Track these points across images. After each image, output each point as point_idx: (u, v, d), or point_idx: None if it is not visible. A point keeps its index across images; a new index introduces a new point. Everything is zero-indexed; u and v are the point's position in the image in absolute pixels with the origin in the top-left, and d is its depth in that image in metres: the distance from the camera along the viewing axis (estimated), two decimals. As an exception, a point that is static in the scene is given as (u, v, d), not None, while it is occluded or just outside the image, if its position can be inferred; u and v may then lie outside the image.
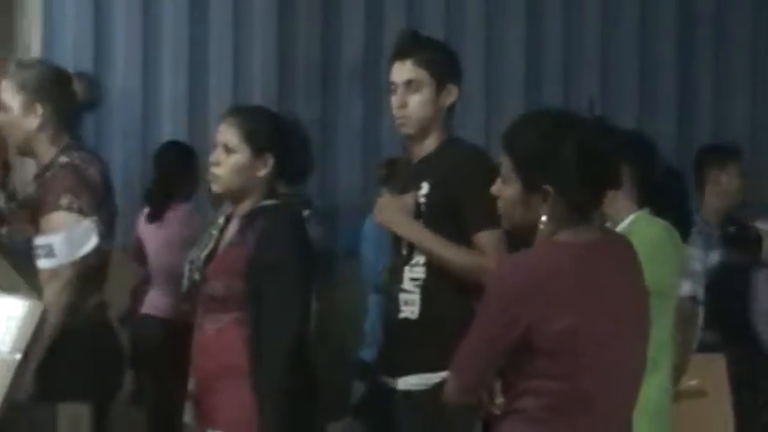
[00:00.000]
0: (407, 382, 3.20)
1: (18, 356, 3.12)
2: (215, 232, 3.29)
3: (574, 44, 5.16)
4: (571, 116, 2.35)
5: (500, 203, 2.38)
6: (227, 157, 3.18)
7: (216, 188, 3.23)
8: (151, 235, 4.78)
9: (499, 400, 2.41)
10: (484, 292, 2.39)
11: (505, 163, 2.33)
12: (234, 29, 4.85)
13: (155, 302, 4.76)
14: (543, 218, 2.30)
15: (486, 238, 3.12)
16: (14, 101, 3.43)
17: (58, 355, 3.23)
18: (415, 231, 3.19)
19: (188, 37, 4.80)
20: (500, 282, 2.32)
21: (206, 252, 3.26)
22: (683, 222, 3.55)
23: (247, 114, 3.29)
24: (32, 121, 3.43)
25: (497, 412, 2.39)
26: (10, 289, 3.28)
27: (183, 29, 4.80)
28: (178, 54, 4.79)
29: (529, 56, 5.11)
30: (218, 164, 3.19)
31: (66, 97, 3.49)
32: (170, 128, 4.80)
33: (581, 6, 5.19)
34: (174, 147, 4.72)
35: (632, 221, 3.25)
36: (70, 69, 4.22)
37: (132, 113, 4.74)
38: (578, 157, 2.24)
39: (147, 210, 4.78)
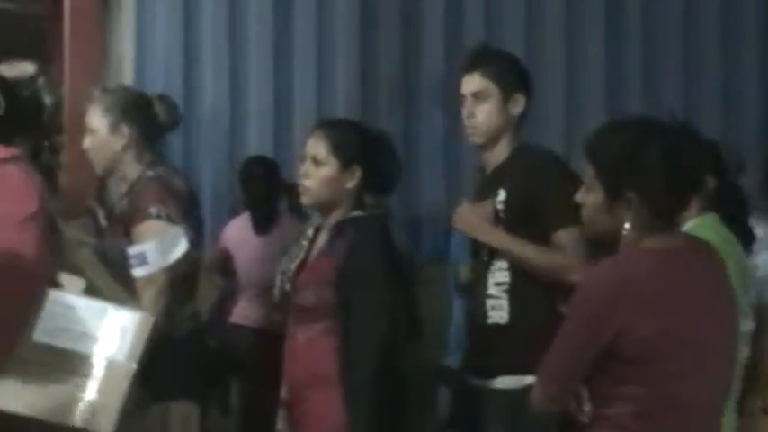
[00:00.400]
0: (497, 384, 3.23)
1: (134, 366, 3.19)
2: (305, 243, 3.33)
3: (654, 52, 5.10)
4: (655, 123, 2.36)
5: (584, 211, 2.40)
6: (316, 170, 3.21)
7: (305, 200, 3.28)
8: (246, 248, 4.82)
9: (587, 407, 2.39)
10: (568, 293, 2.39)
11: (589, 171, 2.36)
12: (317, 46, 4.90)
13: (245, 312, 4.80)
14: (627, 225, 2.31)
15: (564, 236, 3.14)
16: (101, 123, 3.57)
17: (164, 360, 3.28)
18: (495, 236, 3.22)
19: (273, 54, 4.85)
20: (586, 289, 2.33)
21: (296, 262, 3.29)
22: (744, 233, 3.48)
23: (335, 127, 3.32)
24: (118, 142, 3.57)
25: (585, 420, 2.37)
26: (115, 300, 3.35)
27: (268, 47, 4.85)
28: (263, 71, 4.85)
29: (609, 66, 5.08)
30: (307, 176, 3.23)
31: (148, 118, 3.63)
32: (256, 142, 4.85)
33: (661, 12, 5.13)
34: (257, 161, 4.76)
35: (692, 226, 3.18)
36: (161, 87, 4.36)
37: (220, 129, 4.79)
38: (663, 164, 2.24)
39: (235, 221, 4.82)
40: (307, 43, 4.89)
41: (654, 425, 2.24)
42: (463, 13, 5.02)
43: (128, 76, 4.66)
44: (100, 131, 3.58)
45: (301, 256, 3.30)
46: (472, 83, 3.26)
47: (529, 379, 2.96)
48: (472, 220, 3.26)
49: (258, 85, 4.84)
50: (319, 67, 4.90)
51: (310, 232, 3.34)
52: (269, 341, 3.96)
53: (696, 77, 5.19)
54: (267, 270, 4.66)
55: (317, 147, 3.22)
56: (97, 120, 3.59)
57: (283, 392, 3.29)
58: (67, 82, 4.14)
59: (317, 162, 3.21)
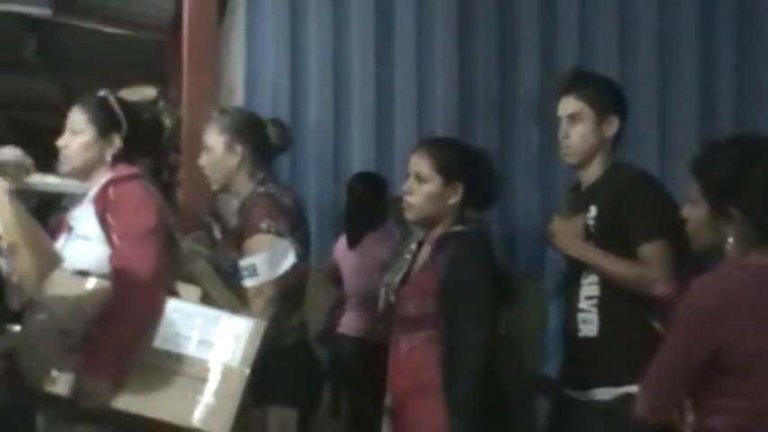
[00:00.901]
0: (592, 395, 3.16)
1: (247, 371, 3.21)
2: (408, 256, 3.32)
3: (747, 71, 4.98)
4: (761, 142, 2.34)
5: (688, 226, 2.38)
6: (420, 186, 3.21)
7: (409, 215, 3.27)
8: (347, 260, 4.82)
9: (690, 418, 2.35)
10: (657, 306, 2.34)
11: (694, 187, 2.34)
12: (417, 65, 4.87)
13: (350, 323, 4.79)
14: (730, 239, 2.28)
15: (649, 249, 3.09)
16: (217, 142, 3.62)
17: (268, 366, 3.29)
18: (584, 251, 3.18)
19: (374, 77, 4.84)
20: (690, 303, 2.30)
21: (400, 275, 3.29)
22: None
23: (438, 145, 3.31)
24: (233, 160, 3.61)
25: (688, 431, 2.34)
26: (228, 309, 3.37)
27: (370, 67, 4.85)
28: (366, 90, 4.84)
29: (701, 87, 4.97)
30: (411, 193, 3.22)
31: (260, 139, 3.66)
32: (359, 158, 4.85)
33: (753, 34, 5.01)
34: (365, 177, 4.75)
35: None
36: (269, 110, 4.39)
37: (325, 145, 4.80)
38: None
39: (344, 236, 4.81)
40: (406, 65, 4.87)
41: None
42: (557, 33, 4.96)
43: (238, 100, 4.71)
44: (216, 149, 3.63)
45: (405, 268, 3.29)
46: (568, 105, 3.24)
47: (622, 390, 3.03)
48: (564, 235, 3.23)
49: (360, 105, 4.84)
50: (419, 88, 4.88)
51: (413, 246, 3.33)
52: (371, 350, 3.93)
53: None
54: (362, 282, 4.68)
55: (421, 164, 3.22)
56: (214, 138, 3.64)
57: (388, 400, 3.28)
58: (185, 105, 4.19)
59: (420, 179, 3.20)
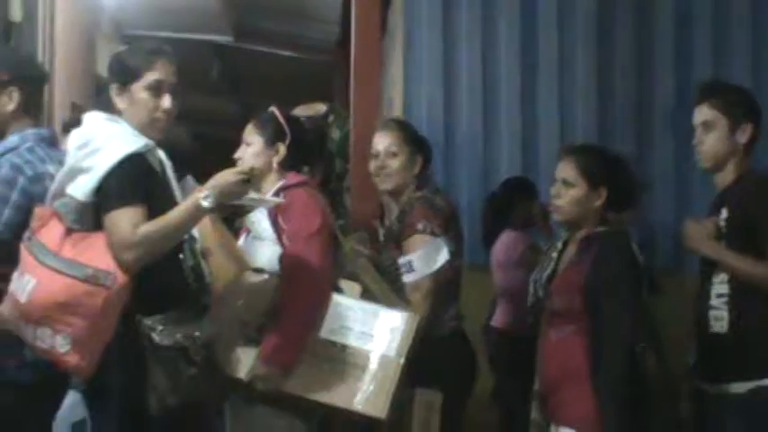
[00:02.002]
0: (724, 389, 3.06)
1: (402, 361, 3.21)
2: (554, 255, 3.28)
3: None
4: None
5: None
6: (567, 191, 3.18)
7: (557, 217, 3.25)
8: (493, 257, 4.75)
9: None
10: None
11: None
12: (558, 77, 4.77)
13: (498, 316, 4.72)
14: None
15: None
16: (404, 151, 3.68)
17: (423, 353, 3.29)
18: (716, 251, 3.09)
19: (520, 87, 4.76)
20: None
21: (548, 272, 3.25)
22: None
23: (583, 152, 3.27)
24: (416, 169, 3.67)
25: None
26: (386, 304, 3.37)
27: (516, 80, 4.76)
28: (512, 103, 4.76)
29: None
30: (559, 196, 3.19)
31: (429, 151, 3.81)
32: (506, 166, 4.77)
33: None
34: (513, 181, 4.68)
35: None
36: (425, 122, 4.38)
37: (475, 152, 4.75)
38: None
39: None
40: (549, 77, 4.78)
41: None
42: (692, 46, 4.78)
43: (397, 111, 4.71)
44: (400, 157, 3.68)
45: (551, 266, 3.25)
46: (702, 113, 3.15)
47: (754, 384, 2.96)
48: (696, 236, 3.14)
49: (507, 117, 4.76)
50: (561, 100, 4.78)
51: (559, 245, 3.29)
52: (518, 341, 3.85)
53: None
54: (505, 277, 4.61)
55: (568, 170, 3.19)
56: (400, 148, 3.68)
57: (537, 385, 3.24)
58: (353, 118, 4.22)
59: (567, 184, 3.18)
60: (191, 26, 6.29)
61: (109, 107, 3.02)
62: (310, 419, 3.31)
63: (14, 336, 3.00)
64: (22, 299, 2.81)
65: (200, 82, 7.29)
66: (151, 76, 2.95)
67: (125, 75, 2.98)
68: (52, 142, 3.27)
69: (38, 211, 2.95)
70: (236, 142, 3.49)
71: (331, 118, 4.46)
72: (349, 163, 4.29)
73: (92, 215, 2.87)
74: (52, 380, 3.11)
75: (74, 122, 4.09)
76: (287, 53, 6.98)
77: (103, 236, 2.84)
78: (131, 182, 2.85)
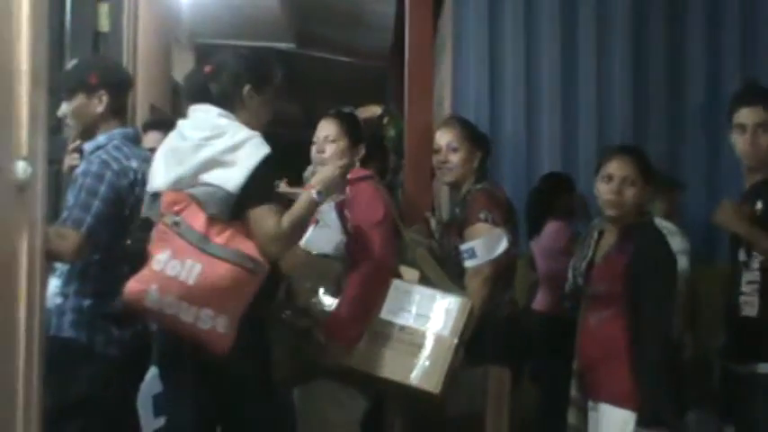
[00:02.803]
0: (752, 369, 3.03)
1: (456, 340, 3.20)
2: (592, 243, 3.24)
3: None
4: None
5: None
6: (630, 188, 3.13)
7: (613, 212, 3.17)
8: (535, 246, 4.73)
9: None
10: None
11: None
12: (597, 82, 4.72)
13: (540, 300, 4.69)
14: None
15: None
16: (465, 147, 3.65)
17: (485, 334, 3.31)
18: (747, 229, 3.03)
19: (560, 93, 4.71)
20: None
21: (586, 260, 3.22)
22: None
23: (639, 152, 3.23)
24: (475, 162, 3.64)
25: None
26: (444, 289, 3.37)
27: (557, 85, 4.72)
28: (553, 105, 4.72)
29: None
30: (619, 193, 3.13)
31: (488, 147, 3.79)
32: (548, 164, 4.73)
33: None
34: (553, 175, 4.64)
35: None
36: (472, 118, 4.36)
37: (518, 150, 4.72)
38: None
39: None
40: (588, 80, 4.73)
41: None
42: (721, 47, 4.71)
43: (446, 112, 4.69)
44: (462, 151, 3.65)
45: (590, 255, 3.22)
46: (756, 115, 3.07)
47: None
48: (729, 215, 3.08)
49: (549, 115, 4.72)
50: (598, 100, 4.73)
51: (596, 234, 3.25)
52: (558, 324, 3.82)
53: None
54: (547, 264, 4.58)
55: (629, 168, 3.14)
56: (460, 144, 3.66)
57: (576, 364, 3.21)
58: (407, 118, 4.19)
59: (629, 181, 3.12)
60: (257, 35, 6.33)
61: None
62: (368, 392, 3.34)
63: (103, 314, 3.05)
64: (189, 281, 2.78)
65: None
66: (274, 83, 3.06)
67: (265, 79, 3.02)
68: (136, 140, 3.31)
69: (172, 195, 2.87)
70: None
71: (386, 119, 4.47)
72: (404, 158, 4.29)
73: (232, 206, 2.83)
74: (136, 355, 3.16)
75: (152, 123, 4.15)
76: (343, 58, 6.98)
77: (243, 226, 2.83)
78: (271, 180, 2.90)
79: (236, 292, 2.79)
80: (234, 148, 2.83)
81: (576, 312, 3.24)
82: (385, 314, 3.25)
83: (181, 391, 2.93)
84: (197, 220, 2.81)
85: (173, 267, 2.78)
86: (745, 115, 3.09)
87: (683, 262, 3.84)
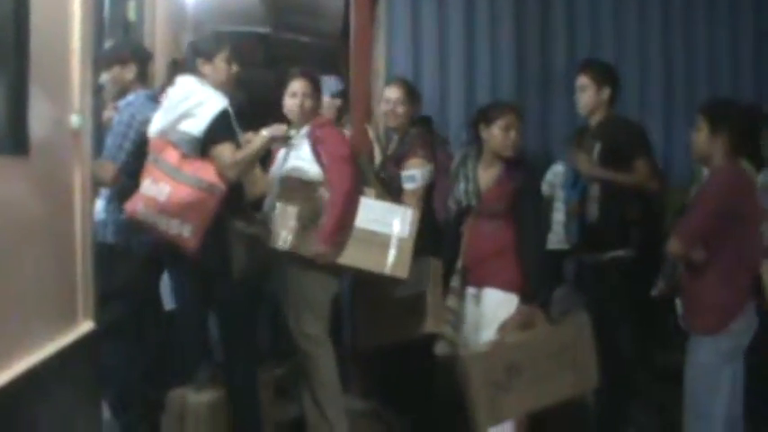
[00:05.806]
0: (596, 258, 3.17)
1: (412, 240, 3.23)
2: (469, 172, 3.23)
3: None
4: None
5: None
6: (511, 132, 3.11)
7: (507, 153, 3.16)
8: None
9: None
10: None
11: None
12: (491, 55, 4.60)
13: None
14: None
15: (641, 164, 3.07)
16: (406, 100, 3.68)
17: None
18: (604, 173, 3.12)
19: (463, 64, 4.58)
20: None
21: (472, 184, 3.22)
22: None
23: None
24: (412, 113, 3.69)
25: None
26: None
27: (461, 59, 4.59)
28: (458, 73, 4.58)
29: None
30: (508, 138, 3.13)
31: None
32: (454, 119, 4.53)
33: None
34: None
35: None
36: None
37: (432, 109, 4.49)
38: None
39: None
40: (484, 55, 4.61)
41: None
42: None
43: (381, 79, 4.57)
44: (400, 105, 3.61)
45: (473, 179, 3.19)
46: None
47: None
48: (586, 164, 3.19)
49: (455, 81, 4.56)
50: (492, 66, 4.58)
51: (469, 164, 3.20)
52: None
53: None
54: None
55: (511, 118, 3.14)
56: (403, 97, 3.64)
57: (461, 262, 3.17)
58: (352, 85, 4.18)
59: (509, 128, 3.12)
60: (243, 21, 6.23)
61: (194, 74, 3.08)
62: (339, 277, 3.32)
63: (139, 225, 3.07)
64: (161, 199, 2.87)
65: (251, 60, 7.17)
66: (225, 52, 3.05)
67: (209, 51, 3.04)
68: (156, 99, 3.30)
69: (157, 141, 2.99)
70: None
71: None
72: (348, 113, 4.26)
73: (199, 146, 2.95)
74: (159, 254, 3.19)
75: (166, 85, 4.08)
76: (306, 39, 6.87)
77: (209, 160, 2.93)
78: (227, 125, 2.96)
79: (196, 206, 2.89)
80: (198, 105, 2.95)
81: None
82: (359, 223, 3.23)
83: (178, 282, 3.09)
84: (172, 156, 2.93)
85: (151, 190, 2.91)
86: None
87: None
